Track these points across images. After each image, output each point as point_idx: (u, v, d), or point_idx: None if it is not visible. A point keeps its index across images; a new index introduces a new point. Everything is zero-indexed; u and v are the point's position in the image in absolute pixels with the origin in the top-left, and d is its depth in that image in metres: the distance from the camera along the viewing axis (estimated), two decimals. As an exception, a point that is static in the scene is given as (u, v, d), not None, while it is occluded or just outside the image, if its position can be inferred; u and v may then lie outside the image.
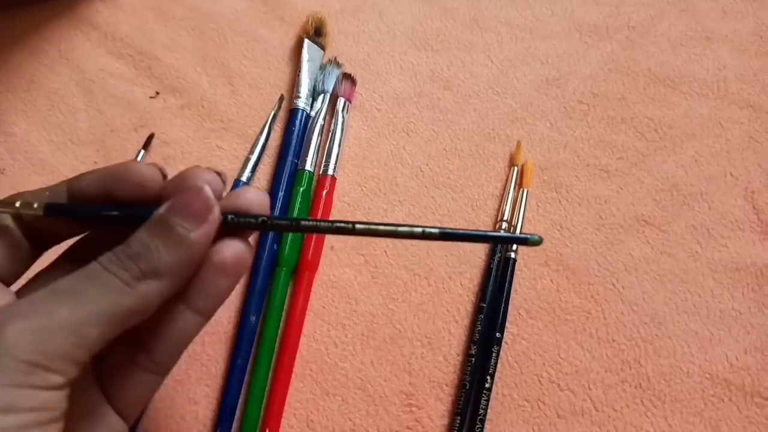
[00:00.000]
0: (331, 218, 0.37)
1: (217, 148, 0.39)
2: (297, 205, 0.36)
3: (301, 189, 0.37)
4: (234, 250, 0.23)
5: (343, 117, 0.39)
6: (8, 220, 0.24)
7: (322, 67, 0.41)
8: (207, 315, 0.24)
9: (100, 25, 0.43)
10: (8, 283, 0.24)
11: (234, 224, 0.24)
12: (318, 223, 0.26)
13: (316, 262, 0.36)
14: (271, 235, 0.35)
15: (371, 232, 0.24)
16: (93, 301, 0.20)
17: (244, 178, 0.38)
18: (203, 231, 0.22)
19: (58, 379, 0.19)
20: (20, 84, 0.41)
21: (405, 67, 0.42)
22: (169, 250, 0.21)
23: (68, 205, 0.24)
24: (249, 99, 0.41)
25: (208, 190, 0.22)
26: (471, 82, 0.42)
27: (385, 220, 0.25)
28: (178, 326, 0.23)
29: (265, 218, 0.24)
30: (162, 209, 0.22)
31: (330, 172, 0.38)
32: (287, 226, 0.26)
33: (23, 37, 0.42)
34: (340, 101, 0.40)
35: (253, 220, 0.24)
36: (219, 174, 0.24)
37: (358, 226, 0.24)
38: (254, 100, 0.41)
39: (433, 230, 0.24)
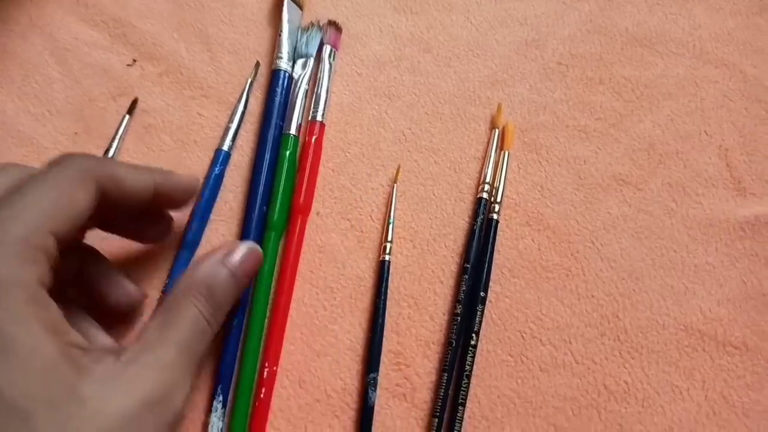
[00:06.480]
0: (318, 177, 0.38)
1: (198, 116, 0.39)
2: (284, 170, 0.36)
3: (288, 153, 0.37)
4: None
5: (329, 63, 0.39)
6: None
7: (304, 30, 0.40)
8: None
9: (71, -9, 0.42)
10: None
11: None
12: None
13: (308, 205, 0.36)
14: (259, 197, 0.36)
15: None
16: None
17: (225, 148, 0.38)
18: None
19: None
20: (-9, 53, 0.40)
21: (384, 29, 0.42)
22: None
23: None
24: (228, 65, 0.40)
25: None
26: (451, 44, 0.42)
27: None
28: None
29: None
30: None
31: (318, 118, 0.38)
32: None
33: (-9, 5, 0.41)
34: (326, 48, 0.40)
35: None
36: None
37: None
38: (233, 66, 0.40)
39: None
